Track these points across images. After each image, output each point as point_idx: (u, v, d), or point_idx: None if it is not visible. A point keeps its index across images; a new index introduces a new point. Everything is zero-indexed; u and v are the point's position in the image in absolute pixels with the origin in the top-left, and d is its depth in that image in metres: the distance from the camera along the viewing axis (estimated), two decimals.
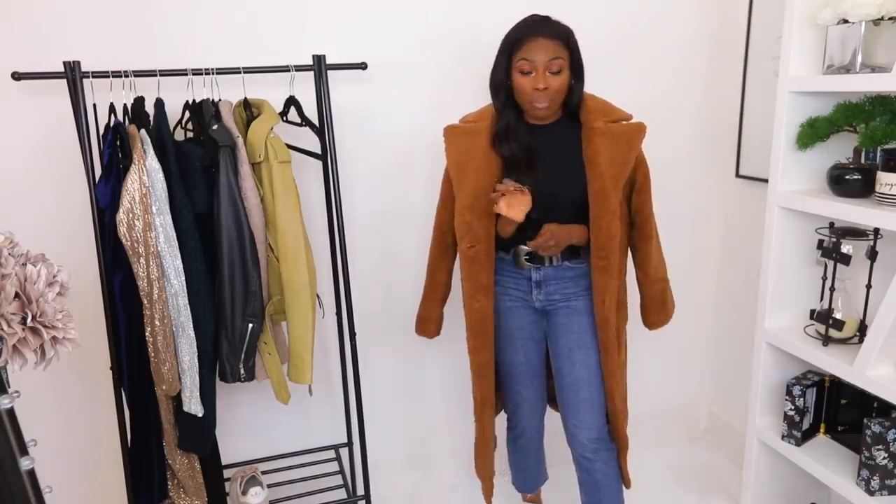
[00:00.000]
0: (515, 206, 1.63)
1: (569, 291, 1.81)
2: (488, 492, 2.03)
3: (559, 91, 1.66)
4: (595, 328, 1.79)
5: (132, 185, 1.58)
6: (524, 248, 1.77)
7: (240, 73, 1.76)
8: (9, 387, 0.73)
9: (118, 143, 1.65)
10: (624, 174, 1.71)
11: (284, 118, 1.88)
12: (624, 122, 1.75)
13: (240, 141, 1.72)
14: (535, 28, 1.64)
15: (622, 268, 1.82)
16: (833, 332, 1.84)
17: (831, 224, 1.82)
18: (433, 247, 1.94)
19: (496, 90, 1.72)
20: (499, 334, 1.89)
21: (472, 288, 1.79)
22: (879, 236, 1.73)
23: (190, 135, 1.83)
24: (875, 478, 1.70)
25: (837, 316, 1.84)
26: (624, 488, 1.94)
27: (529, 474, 2.12)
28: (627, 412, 1.92)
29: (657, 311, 1.94)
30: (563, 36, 1.65)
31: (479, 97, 1.89)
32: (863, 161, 1.79)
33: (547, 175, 1.72)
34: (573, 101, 1.71)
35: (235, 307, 1.75)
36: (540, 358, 1.93)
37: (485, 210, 1.72)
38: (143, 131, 1.64)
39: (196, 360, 1.72)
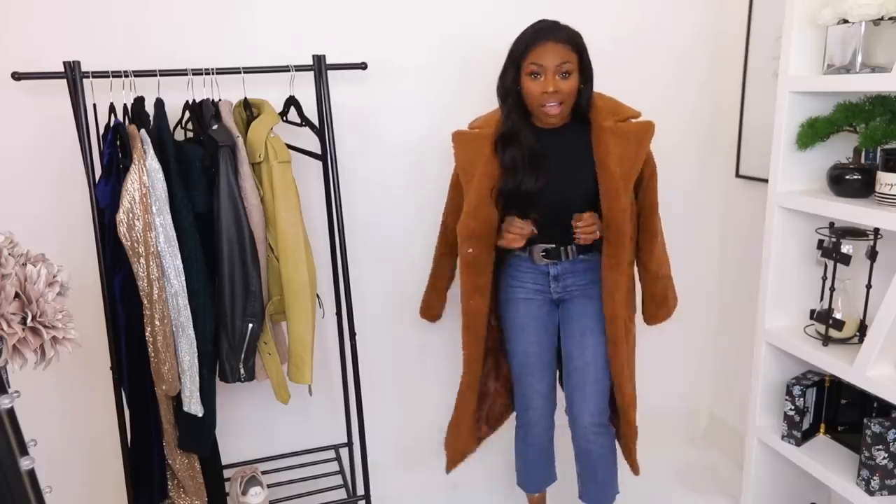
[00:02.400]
0: (515, 236, 1.74)
1: (582, 282, 1.86)
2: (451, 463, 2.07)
3: (569, 94, 1.68)
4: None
5: (132, 185, 1.58)
6: (540, 246, 1.82)
7: (240, 73, 1.76)
8: (9, 387, 0.73)
9: (118, 143, 1.65)
10: (634, 173, 1.75)
11: (284, 118, 1.88)
12: (633, 121, 1.77)
13: (240, 141, 1.72)
14: (545, 33, 1.66)
15: (631, 261, 1.87)
16: (833, 332, 1.84)
17: (831, 224, 1.82)
18: (439, 242, 2.01)
19: (504, 95, 1.74)
20: (513, 326, 1.92)
21: (469, 289, 1.84)
22: (879, 236, 1.73)
23: (190, 135, 1.83)
24: (875, 478, 1.70)
25: (837, 316, 1.83)
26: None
27: (537, 472, 2.08)
28: (636, 402, 1.96)
29: (657, 306, 1.98)
30: (572, 40, 1.67)
31: (479, 97, 1.90)
32: (863, 161, 1.79)
33: (557, 178, 1.74)
34: (582, 103, 1.74)
35: (235, 307, 1.74)
36: (551, 352, 1.95)
37: (486, 217, 1.75)
38: (143, 131, 1.64)
39: (196, 360, 1.72)
